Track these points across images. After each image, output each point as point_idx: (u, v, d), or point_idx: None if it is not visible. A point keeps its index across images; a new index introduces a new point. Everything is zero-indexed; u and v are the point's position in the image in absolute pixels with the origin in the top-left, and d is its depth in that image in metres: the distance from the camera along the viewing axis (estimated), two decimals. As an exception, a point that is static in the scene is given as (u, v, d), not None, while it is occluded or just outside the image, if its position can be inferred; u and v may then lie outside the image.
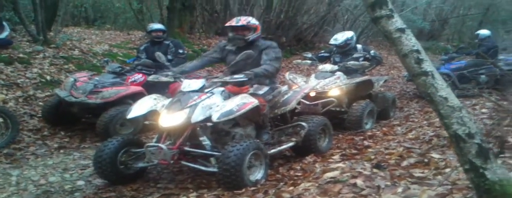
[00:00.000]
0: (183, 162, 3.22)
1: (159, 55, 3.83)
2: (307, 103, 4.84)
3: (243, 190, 2.86)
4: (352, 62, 5.52)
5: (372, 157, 3.26)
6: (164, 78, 3.57)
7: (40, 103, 5.47)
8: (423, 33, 18.52)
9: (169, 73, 3.61)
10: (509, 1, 18.73)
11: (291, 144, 3.77)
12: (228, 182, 2.88)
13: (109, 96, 4.76)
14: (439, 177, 2.39)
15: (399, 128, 5.04)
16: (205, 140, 3.18)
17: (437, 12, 19.46)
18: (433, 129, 4.15)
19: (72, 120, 5.15)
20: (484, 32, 8.28)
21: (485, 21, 18.93)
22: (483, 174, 1.67)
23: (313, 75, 5.53)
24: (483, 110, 4.71)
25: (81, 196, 3.30)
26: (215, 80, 3.47)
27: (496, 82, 7.35)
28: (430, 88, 1.78)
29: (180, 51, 5.76)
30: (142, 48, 5.96)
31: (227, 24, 3.79)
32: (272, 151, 3.54)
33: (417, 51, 1.81)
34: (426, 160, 2.84)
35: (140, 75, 5.33)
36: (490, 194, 1.67)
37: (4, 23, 6.73)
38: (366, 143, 4.28)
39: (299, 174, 3.27)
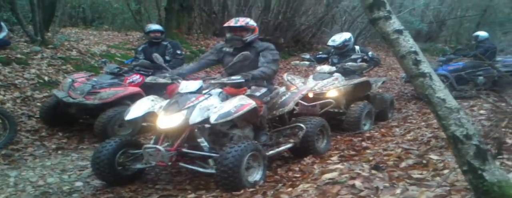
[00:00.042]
0: (181, 164, 3.22)
1: (156, 56, 3.82)
2: (305, 104, 4.83)
3: (241, 191, 2.86)
4: (350, 63, 5.53)
5: (371, 158, 3.26)
6: (161, 80, 3.56)
7: (38, 104, 5.45)
8: (421, 35, 18.58)
9: (167, 74, 3.62)
10: (506, 3, 18.82)
11: (289, 145, 3.77)
12: (226, 184, 2.88)
13: (107, 97, 4.75)
14: (438, 178, 2.39)
15: (397, 129, 5.05)
16: (203, 142, 3.17)
17: (435, 13, 19.52)
18: (431, 130, 4.15)
19: (70, 121, 5.14)
20: (482, 34, 8.30)
21: (482, 22, 18.98)
22: (481, 175, 1.68)
23: (311, 77, 5.53)
24: (481, 111, 4.72)
25: (79, 197, 3.29)
26: (213, 81, 3.47)
27: (494, 83, 7.39)
28: (428, 90, 1.78)
29: (178, 52, 5.77)
30: (140, 49, 5.95)
31: (225, 25, 3.80)
32: (270, 152, 3.53)
33: (415, 52, 1.82)
34: (424, 161, 2.84)
35: (138, 76, 5.33)
36: (488, 195, 1.68)
37: (2, 23, 6.73)
38: (364, 144, 4.28)
39: (298, 175, 3.26)
